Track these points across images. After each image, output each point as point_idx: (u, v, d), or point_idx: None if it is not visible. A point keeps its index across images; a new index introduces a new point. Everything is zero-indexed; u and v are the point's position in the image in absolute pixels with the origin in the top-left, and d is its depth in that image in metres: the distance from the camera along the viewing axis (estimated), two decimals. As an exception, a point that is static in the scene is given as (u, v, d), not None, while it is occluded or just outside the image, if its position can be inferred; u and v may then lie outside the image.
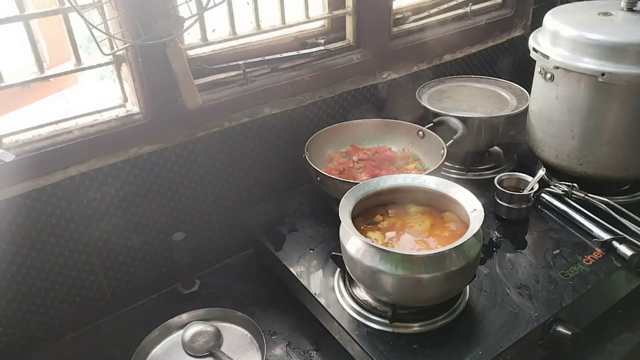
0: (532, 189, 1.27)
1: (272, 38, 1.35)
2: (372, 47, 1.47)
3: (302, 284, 1.13)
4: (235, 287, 1.30)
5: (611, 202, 1.24)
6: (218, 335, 1.13)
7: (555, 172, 1.37)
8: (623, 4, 1.28)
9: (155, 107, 1.16)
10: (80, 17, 0.94)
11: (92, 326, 1.24)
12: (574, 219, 1.24)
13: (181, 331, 1.15)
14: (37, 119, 1.10)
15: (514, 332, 0.99)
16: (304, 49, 1.39)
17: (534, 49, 1.32)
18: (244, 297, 1.26)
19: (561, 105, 1.28)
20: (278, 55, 1.34)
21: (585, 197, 1.27)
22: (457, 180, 1.08)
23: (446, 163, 1.38)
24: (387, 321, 1.01)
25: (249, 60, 1.30)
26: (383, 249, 0.94)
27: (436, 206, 1.10)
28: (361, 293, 1.08)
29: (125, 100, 1.18)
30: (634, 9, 1.27)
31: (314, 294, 1.10)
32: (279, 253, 1.21)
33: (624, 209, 1.23)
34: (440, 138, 1.33)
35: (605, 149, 1.26)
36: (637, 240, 1.15)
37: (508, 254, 1.18)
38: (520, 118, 1.45)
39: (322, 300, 1.08)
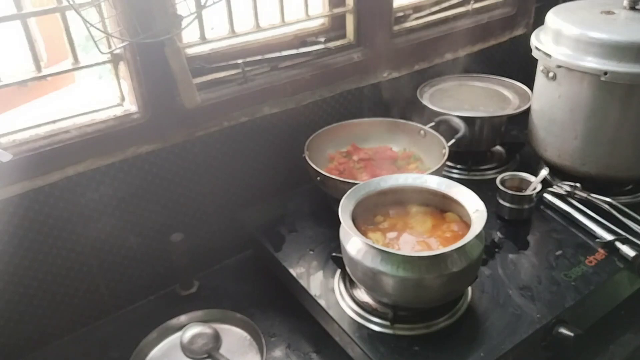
0: (534, 189, 1.26)
1: (271, 36, 1.34)
2: (373, 46, 1.46)
3: (301, 285, 1.12)
4: (234, 289, 1.29)
5: (614, 202, 1.24)
6: (217, 337, 1.12)
7: (558, 172, 1.37)
8: (625, 3, 1.27)
9: (153, 106, 1.15)
10: (78, 15, 0.93)
11: (90, 328, 1.23)
12: (576, 219, 1.23)
13: (180, 333, 1.13)
14: (34, 118, 1.09)
15: (516, 334, 0.98)
16: (304, 47, 1.38)
17: (536, 48, 1.31)
18: (243, 299, 1.25)
19: (564, 104, 1.27)
20: (278, 54, 1.33)
21: (588, 197, 1.26)
22: (458, 181, 1.07)
23: (448, 163, 1.37)
24: (388, 323, 1.00)
25: (248, 59, 1.29)
26: (384, 250, 0.93)
27: (438, 206, 1.09)
28: (362, 294, 1.07)
29: (123, 99, 1.17)
30: (637, 7, 1.26)
31: (313, 296, 1.09)
32: (278, 254, 1.20)
33: (627, 210, 1.22)
34: (441, 137, 1.33)
35: (608, 149, 1.25)
36: (640, 241, 1.14)
37: (510, 255, 1.17)
38: (522, 117, 1.44)
39: (322, 302, 1.07)
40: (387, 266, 0.92)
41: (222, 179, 1.33)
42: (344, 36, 1.46)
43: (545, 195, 1.31)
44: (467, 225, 1.02)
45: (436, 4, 1.62)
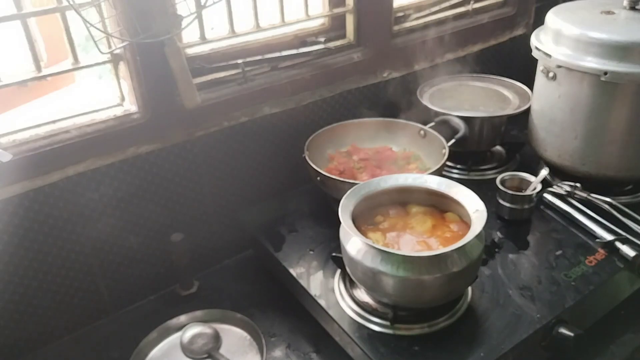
0: (534, 189, 1.26)
1: (271, 36, 1.34)
2: (373, 46, 1.46)
3: (301, 285, 1.12)
4: (234, 289, 1.29)
5: (614, 202, 1.24)
6: (217, 337, 1.12)
7: (558, 172, 1.36)
8: (625, 3, 1.27)
9: (153, 106, 1.15)
10: (78, 15, 0.93)
11: (90, 328, 1.23)
12: (576, 219, 1.23)
13: (180, 333, 1.13)
14: (34, 118, 1.09)
15: (516, 334, 0.98)
16: (304, 47, 1.38)
17: (536, 48, 1.31)
18: (243, 299, 1.25)
19: (564, 104, 1.27)
20: (278, 54, 1.33)
21: (588, 197, 1.26)
22: (459, 181, 1.07)
23: (448, 163, 1.37)
24: (388, 323, 1.00)
25: (248, 59, 1.29)
26: (384, 250, 0.93)
27: (438, 206, 1.09)
28: (362, 294, 1.07)
29: (123, 99, 1.17)
30: (637, 7, 1.26)
31: (313, 296, 1.09)
32: (278, 254, 1.20)
33: (627, 210, 1.22)
34: (441, 137, 1.33)
35: (608, 149, 1.25)
36: (640, 241, 1.14)
37: (510, 255, 1.17)
38: (522, 117, 1.44)
39: (322, 302, 1.07)
40: (387, 266, 0.92)
41: (222, 179, 1.33)
42: (344, 36, 1.46)
43: (545, 195, 1.31)
44: (467, 225, 1.02)
45: (436, 4, 1.62)
